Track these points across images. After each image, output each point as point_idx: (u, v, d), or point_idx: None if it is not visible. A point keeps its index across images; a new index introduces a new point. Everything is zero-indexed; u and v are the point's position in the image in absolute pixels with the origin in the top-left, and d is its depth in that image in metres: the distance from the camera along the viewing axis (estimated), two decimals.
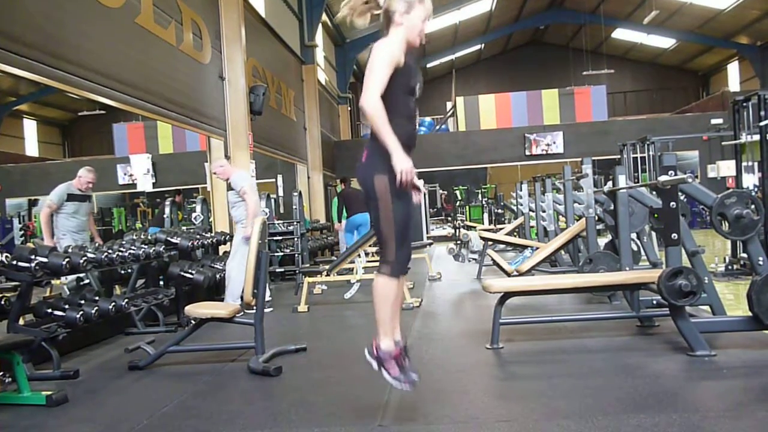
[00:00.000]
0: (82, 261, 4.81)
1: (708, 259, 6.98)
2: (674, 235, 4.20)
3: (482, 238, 9.65)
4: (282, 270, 9.60)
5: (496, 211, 19.61)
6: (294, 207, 9.39)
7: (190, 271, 6.34)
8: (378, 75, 2.82)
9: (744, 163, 8.41)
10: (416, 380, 2.94)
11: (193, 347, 4.78)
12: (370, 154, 2.94)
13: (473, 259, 9.61)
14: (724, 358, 3.94)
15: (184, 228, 7.94)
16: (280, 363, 4.29)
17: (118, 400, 3.91)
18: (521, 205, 12.14)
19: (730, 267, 7.83)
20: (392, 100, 2.88)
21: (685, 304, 4.06)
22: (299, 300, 7.01)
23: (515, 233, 12.10)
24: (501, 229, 12.97)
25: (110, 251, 5.36)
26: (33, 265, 4.40)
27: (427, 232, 17.98)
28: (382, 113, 2.78)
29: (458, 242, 10.01)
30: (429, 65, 29.56)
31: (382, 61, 2.84)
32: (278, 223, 9.75)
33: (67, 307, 4.76)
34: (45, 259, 4.52)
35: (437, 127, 23.98)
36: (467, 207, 23.01)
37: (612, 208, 5.55)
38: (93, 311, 4.83)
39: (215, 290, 7.23)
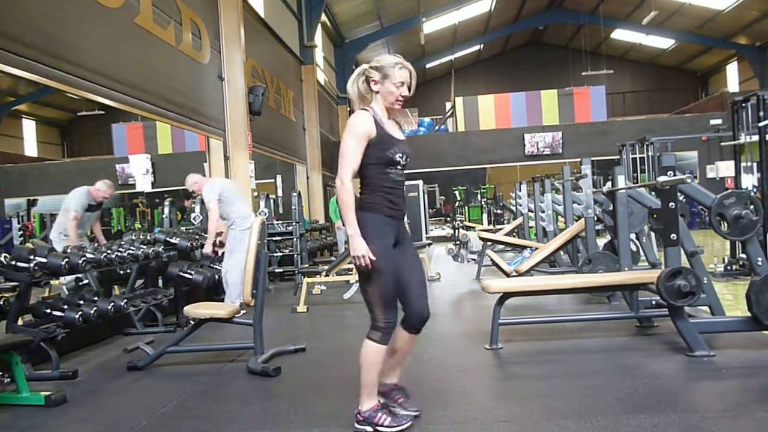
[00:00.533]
0: (81, 261, 4.80)
1: (707, 260, 6.98)
2: (673, 236, 4.20)
3: (481, 239, 9.65)
4: (281, 270, 9.60)
5: (495, 211, 19.63)
6: (293, 207, 9.38)
7: (189, 271, 6.33)
8: (347, 156, 2.93)
9: (743, 164, 8.41)
10: (416, 414, 3.06)
11: (192, 347, 4.78)
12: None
13: (472, 259, 9.61)
14: (723, 358, 3.95)
15: (183, 228, 7.93)
16: (279, 363, 4.29)
17: (117, 400, 3.90)
18: (520, 205, 12.15)
19: (729, 267, 7.84)
20: (371, 173, 2.99)
21: (684, 304, 4.06)
22: (298, 300, 7.01)
23: (514, 234, 12.11)
24: (500, 229, 12.98)
25: (109, 251, 5.36)
26: (32, 265, 4.40)
27: (426, 233, 18.00)
28: (348, 197, 2.90)
29: (457, 243, 10.01)
30: (428, 65, 29.57)
31: (351, 139, 2.94)
32: (277, 224, 9.75)
33: (66, 307, 4.76)
34: (44, 260, 4.52)
35: (436, 128, 23.99)
36: (466, 207, 23.03)
37: (611, 208, 5.55)
38: (92, 311, 4.82)
39: (214, 290, 7.23)
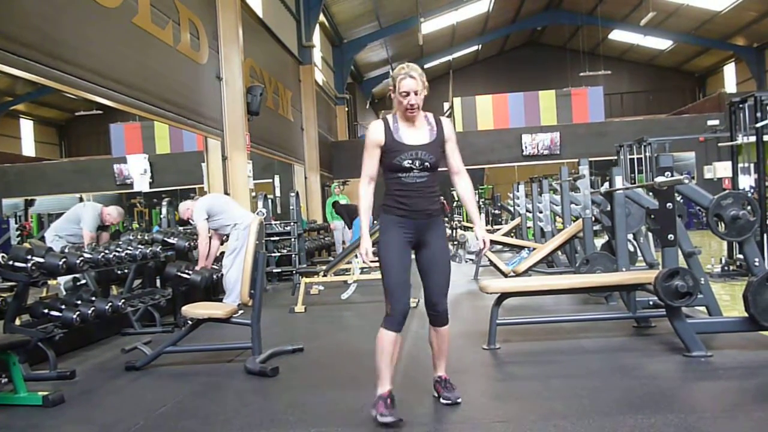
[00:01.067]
0: (78, 261, 4.80)
1: (704, 260, 7.00)
2: (671, 236, 4.21)
3: None
4: (279, 270, 9.59)
5: (493, 211, 19.64)
6: (291, 207, 9.38)
7: (187, 271, 6.33)
8: (363, 163, 3.23)
9: (740, 165, 8.42)
10: (395, 420, 3.05)
11: (190, 348, 4.78)
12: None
13: (470, 259, 9.62)
14: (720, 358, 3.96)
15: (180, 228, 7.93)
16: (277, 363, 4.29)
17: (114, 400, 3.90)
18: (518, 205, 12.16)
19: (726, 268, 7.85)
20: (386, 178, 3.27)
21: (682, 304, 4.07)
22: (296, 300, 7.01)
23: (512, 234, 12.12)
24: (498, 229, 12.99)
25: (107, 251, 5.36)
26: (29, 265, 4.39)
27: None
28: (363, 201, 3.25)
29: (455, 243, 10.01)
30: (426, 66, 29.53)
31: (365, 149, 3.22)
32: (275, 224, 9.74)
33: (63, 307, 4.76)
34: (41, 260, 4.51)
35: None
36: (464, 208, 23.02)
37: (609, 209, 5.56)
38: (90, 311, 4.82)
39: (212, 290, 7.23)
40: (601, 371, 3.88)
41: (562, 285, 5.08)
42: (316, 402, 3.55)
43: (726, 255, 8.16)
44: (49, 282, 6.74)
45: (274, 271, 9.53)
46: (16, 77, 5.18)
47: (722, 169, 17.15)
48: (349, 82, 22.66)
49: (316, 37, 17.01)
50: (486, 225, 18.04)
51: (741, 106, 8.24)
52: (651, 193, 5.34)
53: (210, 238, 6.78)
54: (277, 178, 14.67)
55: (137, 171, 16.56)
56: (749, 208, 4.31)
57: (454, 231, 10.04)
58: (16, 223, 17.17)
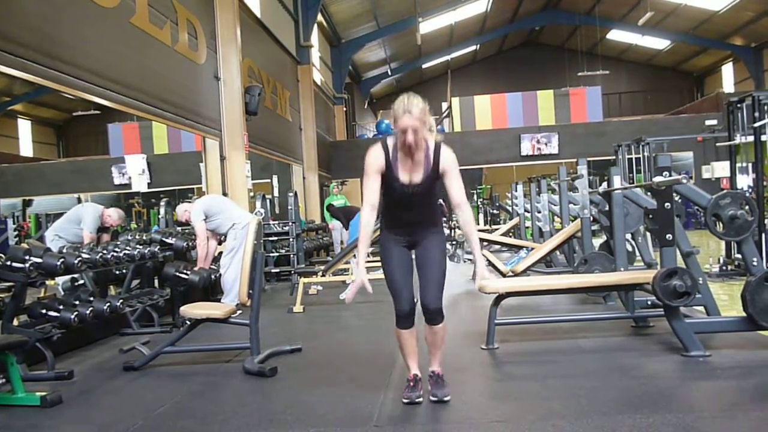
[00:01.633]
0: (76, 261, 4.79)
1: (702, 260, 7.01)
2: (669, 236, 4.21)
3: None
4: (277, 270, 9.59)
5: (491, 211, 19.65)
6: (289, 207, 9.37)
7: (185, 271, 6.32)
8: (365, 188, 3.28)
9: (738, 164, 8.43)
10: (415, 399, 3.33)
11: (189, 348, 4.77)
12: None
13: (468, 259, 9.62)
14: (719, 358, 3.96)
15: (179, 228, 7.92)
16: (276, 363, 4.28)
17: (112, 400, 3.89)
18: (516, 205, 12.16)
19: (724, 268, 7.85)
20: (384, 203, 3.35)
21: (680, 304, 4.07)
22: (295, 300, 7.01)
23: (511, 234, 12.12)
24: (496, 229, 12.99)
25: (105, 252, 5.35)
26: (27, 265, 4.39)
27: None
28: (363, 228, 3.29)
29: (454, 243, 10.02)
30: (424, 66, 29.60)
31: (365, 174, 3.26)
32: (274, 224, 9.74)
33: (61, 307, 4.75)
34: (39, 260, 4.50)
35: None
36: None
37: (607, 208, 5.56)
38: (88, 312, 4.82)
39: (210, 291, 7.22)
40: (599, 371, 3.89)
41: (560, 285, 5.09)
42: (315, 402, 3.54)
43: (724, 255, 8.17)
44: (47, 282, 6.73)
45: (273, 271, 9.53)
46: (13, 77, 5.17)
47: (720, 169, 17.16)
48: (348, 82, 22.65)
49: (315, 37, 17.01)
50: (484, 225, 18.07)
51: (739, 105, 8.24)
52: (649, 193, 5.34)
53: (208, 239, 6.78)
54: (275, 178, 14.66)
55: (135, 171, 16.54)
56: (747, 207, 4.31)
57: (453, 231, 10.05)
58: (14, 223, 17.14)
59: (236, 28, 9.60)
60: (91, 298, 5.09)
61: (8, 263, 4.37)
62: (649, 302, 5.06)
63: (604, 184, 5.51)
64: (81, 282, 5.99)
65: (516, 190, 12.29)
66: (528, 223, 11.08)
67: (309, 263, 10.11)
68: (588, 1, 24.47)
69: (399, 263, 3.34)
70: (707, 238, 13.04)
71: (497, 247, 11.48)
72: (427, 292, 3.31)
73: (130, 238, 7.17)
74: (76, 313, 4.72)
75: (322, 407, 3.43)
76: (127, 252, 5.65)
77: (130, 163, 16.73)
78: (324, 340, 5.51)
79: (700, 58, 27.99)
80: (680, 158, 18.99)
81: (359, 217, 10.89)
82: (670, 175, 4.12)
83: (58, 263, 4.58)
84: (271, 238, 9.59)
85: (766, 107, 7.43)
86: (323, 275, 7.42)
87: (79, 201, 18.60)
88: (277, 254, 9.79)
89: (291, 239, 9.27)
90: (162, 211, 8.99)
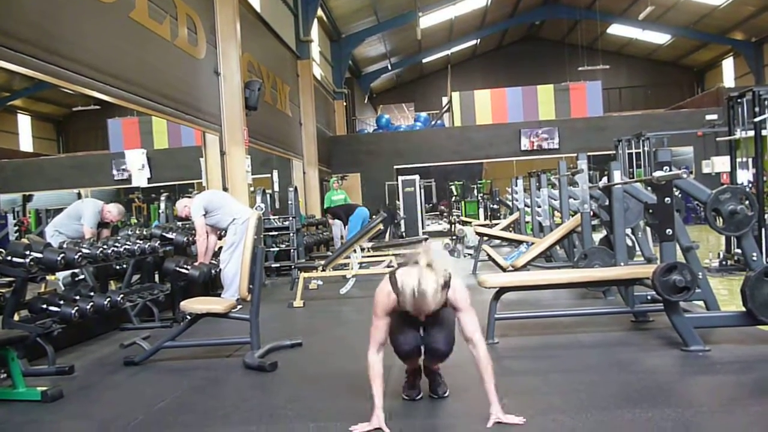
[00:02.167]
0: (77, 257, 4.79)
1: (702, 255, 7.01)
2: (669, 231, 4.21)
3: (478, 234, 9.66)
4: (277, 265, 9.60)
5: (491, 206, 19.63)
6: (289, 202, 9.38)
7: (185, 266, 6.32)
8: (373, 327, 3.09)
9: (738, 159, 8.42)
10: (415, 397, 3.36)
11: (189, 343, 4.78)
12: None
13: (469, 254, 9.63)
14: (718, 353, 3.96)
15: (179, 224, 7.93)
16: (276, 358, 4.29)
17: (113, 395, 3.91)
18: (517, 200, 12.15)
19: (724, 262, 7.85)
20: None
21: (680, 299, 4.07)
22: (295, 295, 7.02)
23: (511, 229, 12.12)
24: (496, 224, 12.99)
25: (105, 247, 5.35)
26: (28, 260, 4.39)
27: (423, 228, 18.01)
28: (372, 370, 3.02)
29: (454, 237, 10.02)
30: (424, 60, 29.54)
31: (374, 313, 3.09)
32: (274, 219, 9.74)
33: (62, 302, 4.75)
34: (40, 255, 4.51)
35: (433, 123, 23.97)
36: (463, 202, 23.01)
37: (607, 203, 5.56)
38: (88, 307, 4.82)
39: (211, 285, 7.22)
40: (598, 366, 3.89)
41: (560, 280, 5.09)
42: (315, 396, 3.55)
43: (724, 249, 8.16)
44: (48, 277, 6.73)
45: (273, 266, 9.54)
46: (13, 72, 5.17)
47: (720, 164, 17.10)
48: (348, 76, 22.63)
49: (314, 31, 16.98)
50: (484, 220, 18.06)
51: (739, 100, 8.23)
52: (649, 188, 5.34)
53: (207, 234, 6.79)
54: (275, 173, 14.67)
55: (135, 166, 16.53)
56: (747, 202, 4.31)
57: (453, 226, 10.05)
58: (14, 218, 17.14)
59: (236, 23, 9.58)
60: (92, 294, 5.10)
61: (9, 258, 4.37)
62: (648, 297, 5.07)
63: (604, 178, 5.50)
64: (81, 277, 6.00)
65: (516, 185, 12.28)
66: (528, 218, 11.07)
67: (309, 258, 10.11)
68: None
69: (404, 332, 3.13)
70: (707, 233, 13.04)
71: (497, 241, 11.48)
72: (435, 339, 3.13)
73: (130, 233, 7.18)
74: (76, 308, 4.73)
75: (322, 402, 3.44)
76: (127, 247, 5.66)
77: (130, 158, 16.71)
78: (324, 334, 5.52)
79: (701, 52, 27.93)
80: (680, 153, 18.97)
81: (359, 212, 10.87)
82: (670, 170, 4.12)
83: (59, 258, 4.58)
84: (271, 233, 9.60)
85: (766, 102, 7.42)
86: (323, 270, 7.42)
87: (79, 196, 18.60)
88: (278, 249, 9.80)
89: (291, 234, 9.28)
90: (162, 206, 8.98)
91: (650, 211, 4.52)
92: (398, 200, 17.91)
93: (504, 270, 6.99)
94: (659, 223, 4.28)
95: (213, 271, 6.73)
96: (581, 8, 25.24)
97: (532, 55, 30.53)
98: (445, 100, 25.02)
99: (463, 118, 20.94)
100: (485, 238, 9.68)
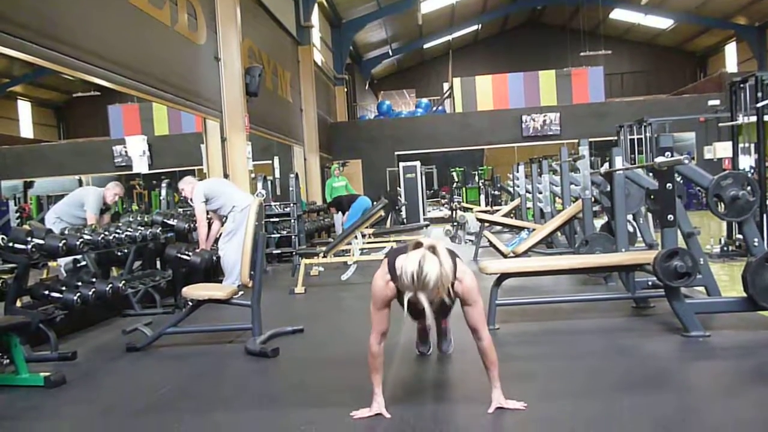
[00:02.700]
0: (78, 243, 4.80)
1: (703, 241, 7.01)
2: (670, 217, 4.20)
3: (479, 220, 9.66)
4: (279, 252, 9.61)
5: (492, 192, 19.63)
6: (290, 189, 9.37)
7: (187, 252, 6.33)
8: (373, 318, 2.98)
9: (740, 145, 8.40)
10: (427, 353, 3.83)
11: (191, 329, 4.79)
12: None
13: (470, 240, 9.63)
14: (719, 338, 3.97)
15: (180, 210, 7.93)
16: (278, 344, 4.30)
17: (115, 381, 3.92)
18: (518, 186, 12.14)
19: (725, 248, 7.85)
20: None
21: (681, 285, 4.08)
22: (296, 282, 7.03)
23: (512, 215, 12.11)
24: (498, 210, 12.98)
25: (107, 233, 5.36)
26: (29, 246, 4.40)
27: (424, 214, 18.01)
28: (373, 360, 2.95)
29: (455, 224, 10.02)
30: (426, 46, 29.39)
31: (372, 303, 2.98)
32: (275, 205, 9.74)
33: (64, 289, 4.77)
34: (41, 241, 4.51)
35: (434, 109, 23.89)
36: (464, 188, 23.00)
37: (608, 189, 5.55)
38: (90, 293, 4.83)
39: (212, 272, 7.23)
40: (599, 351, 3.90)
41: (561, 266, 5.09)
42: (317, 382, 3.57)
43: (725, 235, 8.16)
44: (50, 264, 6.74)
45: (274, 252, 9.55)
46: (13, 58, 5.14)
47: (722, 150, 17.07)
48: (348, 62, 22.52)
49: (315, 17, 16.88)
50: (486, 206, 18.06)
51: (742, 86, 8.20)
52: (651, 174, 5.33)
53: (210, 220, 6.80)
54: (276, 160, 14.65)
55: (136, 152, 16.51)
56: (749, 188, 4.30)
57: (454, 212, 10.05)
58: (15, 205, 17.16)
59: (236, 8, 9.52)
60: (94, 280, 5.10)
61: (11, 245, 4.38)
62: (649, 283, 5.07)
63: (606, 164, 5.49)
64: (83, 263, 6.01)
65: (517, 171, 12.26)
66: (529, 204, 11.05)
67: (310, 244, 10.13)
68: None
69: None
70: (708, 218, 13.03)
71: (498, 227, 11.48)
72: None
73: (131, 219, 7.18)
74: (78, 294, 4.74)
75: (323, 388, 3.46)
76: (128, 233, 5.66)
77: (131, 144, 16.68)
78: (325, 321, 5.53)
79: (703, 37, 27.77)
80: (682, 139, 18.92)
81: (360, 201, 10.86)
82: (672, 156, 4.10)
83: (60, 245, 4.59)
84: (272, 220, 9.61)
85: None
86: (325, 256, 7.43)
87: (80, 183, 18.61)
88: (279, 235, 9.80)
89: (292, 220, 9.29)
90: (163, 192, 9.00)
91: (652, 197, 4.51)
92: (399, 187, 17.91)
93: (505, 256, 7.00)
94: (660, 209, 4.27)
95: (214, 258, 6.74)
96: None
97: (533, 41, 30.36)
98: (446, 86, 24.92)
99: (464, 104, 20.86)
100: (486, 224, 9.67)
